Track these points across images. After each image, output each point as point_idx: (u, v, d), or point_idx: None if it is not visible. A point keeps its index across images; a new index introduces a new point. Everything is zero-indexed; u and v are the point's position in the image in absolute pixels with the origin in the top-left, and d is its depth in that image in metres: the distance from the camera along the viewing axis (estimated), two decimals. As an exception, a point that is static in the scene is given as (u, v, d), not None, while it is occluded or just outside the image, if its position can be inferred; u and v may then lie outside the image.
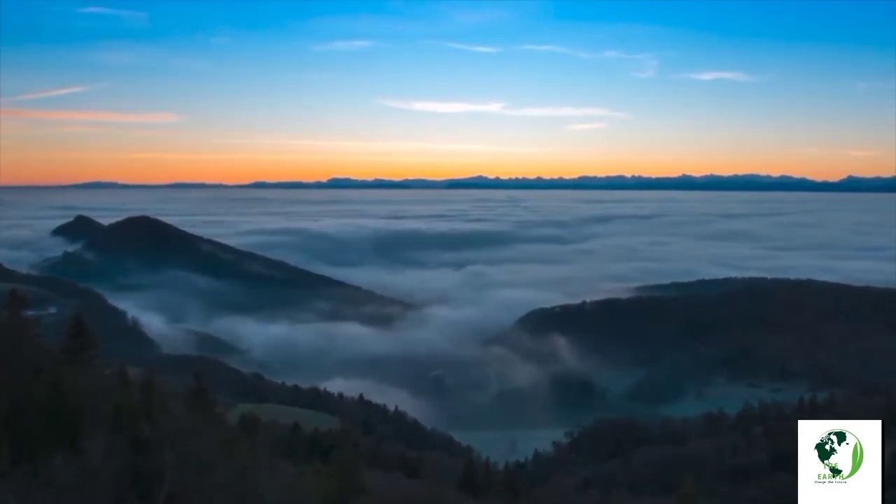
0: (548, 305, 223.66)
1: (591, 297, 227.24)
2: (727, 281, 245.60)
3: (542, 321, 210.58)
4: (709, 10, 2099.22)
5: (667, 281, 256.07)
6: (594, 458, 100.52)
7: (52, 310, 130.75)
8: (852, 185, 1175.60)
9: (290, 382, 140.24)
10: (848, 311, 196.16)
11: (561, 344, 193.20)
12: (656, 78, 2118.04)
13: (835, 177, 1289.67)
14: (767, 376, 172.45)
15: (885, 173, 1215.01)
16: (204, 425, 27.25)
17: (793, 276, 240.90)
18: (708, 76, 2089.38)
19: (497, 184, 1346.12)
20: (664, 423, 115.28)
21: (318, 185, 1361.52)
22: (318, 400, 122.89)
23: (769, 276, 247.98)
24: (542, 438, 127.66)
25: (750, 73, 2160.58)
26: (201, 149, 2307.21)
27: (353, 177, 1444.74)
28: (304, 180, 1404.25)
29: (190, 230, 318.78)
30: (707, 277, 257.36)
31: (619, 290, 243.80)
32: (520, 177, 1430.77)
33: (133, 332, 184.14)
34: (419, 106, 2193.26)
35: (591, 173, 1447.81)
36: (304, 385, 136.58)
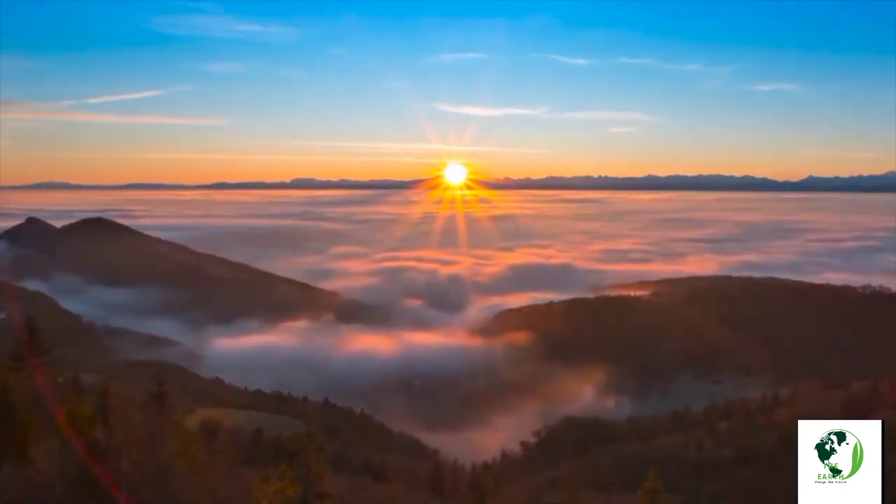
0: (516, 305, 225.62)
1: (558, 298, 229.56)
2: (692, 279, 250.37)
3: (510, 320, 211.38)
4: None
5: (634, 280, 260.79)
6: (562, 457, 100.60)
7: (0, 315, 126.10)
8: (812, 185, 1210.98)
9: (252, 387, 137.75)
10: (809, 308, 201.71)
11: (528, 343, 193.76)
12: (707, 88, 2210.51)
13: (796, 177, 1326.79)
14: (732, 373, 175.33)
15: (844, 173, 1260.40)
16: (162, 432, 26.14)
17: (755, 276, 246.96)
18: (766, 87, 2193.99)
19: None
20: (631, 421, 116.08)
21: (281, 185, 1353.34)
22: (282, 404, 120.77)
23: (734, 274, 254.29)
24: (510, 439, 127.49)
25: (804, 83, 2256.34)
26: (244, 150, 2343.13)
27: (317, 177, 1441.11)
28: (266, 180, 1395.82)
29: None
30: (672, 276, 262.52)
31: (586, 289, 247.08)
32: (490, 178, 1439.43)
33: (87, 337, 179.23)
34: (466, 110, 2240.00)
35: (559, 174, 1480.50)
36: (267, 389, 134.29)
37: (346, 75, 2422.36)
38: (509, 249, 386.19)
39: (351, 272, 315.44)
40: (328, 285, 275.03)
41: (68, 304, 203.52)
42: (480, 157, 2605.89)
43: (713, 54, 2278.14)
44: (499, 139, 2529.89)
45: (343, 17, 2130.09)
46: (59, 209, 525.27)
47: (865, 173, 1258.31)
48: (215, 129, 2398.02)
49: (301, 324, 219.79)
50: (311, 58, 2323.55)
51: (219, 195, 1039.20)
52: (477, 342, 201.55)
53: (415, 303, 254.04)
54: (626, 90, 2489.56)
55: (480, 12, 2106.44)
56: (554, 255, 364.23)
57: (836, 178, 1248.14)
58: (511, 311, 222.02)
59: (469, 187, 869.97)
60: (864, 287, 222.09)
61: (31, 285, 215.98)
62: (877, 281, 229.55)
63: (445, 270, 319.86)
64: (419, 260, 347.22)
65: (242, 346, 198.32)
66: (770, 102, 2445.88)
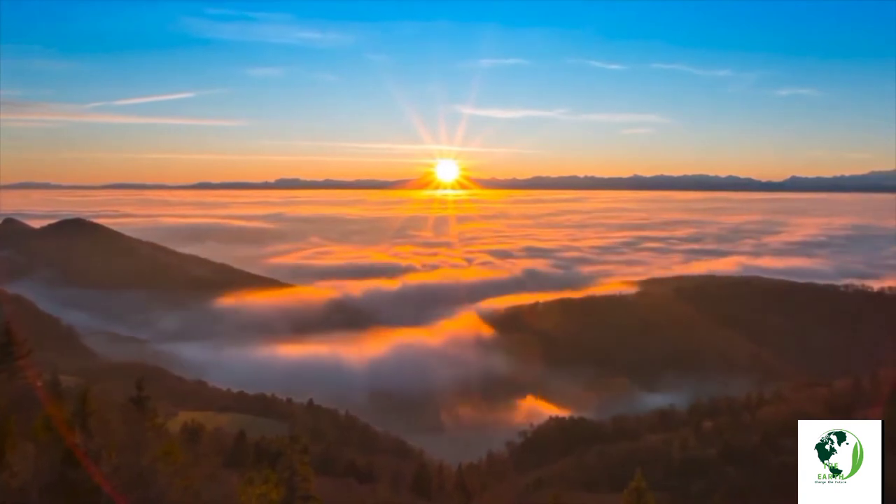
0: (501, 306, 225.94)
1: (544, 297, 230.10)
2: (676, 279, 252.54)
3: (495, 320, 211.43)
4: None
5: (618, 279, 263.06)
6: (548, 456, 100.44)
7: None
8: (796, 185, 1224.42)
9: (234, 388, 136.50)
10: (792, 307, 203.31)
11: (514, 343, 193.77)
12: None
13: (779, 177, 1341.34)
14: (716, 372, 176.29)
15: (826, 174, 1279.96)
16: (143, 435, 25.60)
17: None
18: (785, 91, 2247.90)
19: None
20: (616, 420, 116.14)
21: (265, 185, 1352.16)
22: (266, 406, 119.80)
23: (718, 273, 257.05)
24: (496, 439, 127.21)
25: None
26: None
27: (301, 177, 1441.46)
28: (250, 181, 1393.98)
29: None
30: (657, 276, 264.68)
31: (571, 289, 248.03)
32: (479, 177, 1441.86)
33: (66, 339, 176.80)
34: (482, 112, 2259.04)
35: (545, 174, 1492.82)
36: (251, 391, 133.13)
37: (374, 79, 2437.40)
38: (492, 248, 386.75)
39: (334, 271, 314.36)
40: (310, 285, 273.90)
41: (46, 306, 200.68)
42: (479, 158, 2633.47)
43: (745, 60, 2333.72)
44: (504, 140, 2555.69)
45: (396, 23, 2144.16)
46: (39, 211, 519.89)
47: (848, 173, 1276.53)
48: (226, 130, 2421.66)
49: (283, 324, 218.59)
50: (350, 63, 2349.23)
51: (200, 195, 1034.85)
52: (462, 342, 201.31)
53: (398, 303, 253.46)
54: (649, 94, 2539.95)
55: (527, 22, 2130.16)
56: (540, 255, 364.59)
57: (820, 179, 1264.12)
58: (496, 310, 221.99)
59: (463, 186, 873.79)
60: (846, 286, 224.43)
61: (9, 287, 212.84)
62: (859, 280, 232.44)
63: (428, 270, 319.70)
64: (401, 259, 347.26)
65: (225, 348, 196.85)
66: (780, 107, 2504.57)
